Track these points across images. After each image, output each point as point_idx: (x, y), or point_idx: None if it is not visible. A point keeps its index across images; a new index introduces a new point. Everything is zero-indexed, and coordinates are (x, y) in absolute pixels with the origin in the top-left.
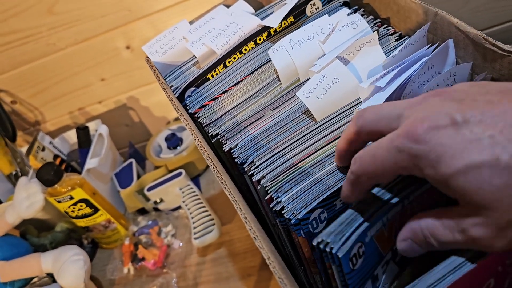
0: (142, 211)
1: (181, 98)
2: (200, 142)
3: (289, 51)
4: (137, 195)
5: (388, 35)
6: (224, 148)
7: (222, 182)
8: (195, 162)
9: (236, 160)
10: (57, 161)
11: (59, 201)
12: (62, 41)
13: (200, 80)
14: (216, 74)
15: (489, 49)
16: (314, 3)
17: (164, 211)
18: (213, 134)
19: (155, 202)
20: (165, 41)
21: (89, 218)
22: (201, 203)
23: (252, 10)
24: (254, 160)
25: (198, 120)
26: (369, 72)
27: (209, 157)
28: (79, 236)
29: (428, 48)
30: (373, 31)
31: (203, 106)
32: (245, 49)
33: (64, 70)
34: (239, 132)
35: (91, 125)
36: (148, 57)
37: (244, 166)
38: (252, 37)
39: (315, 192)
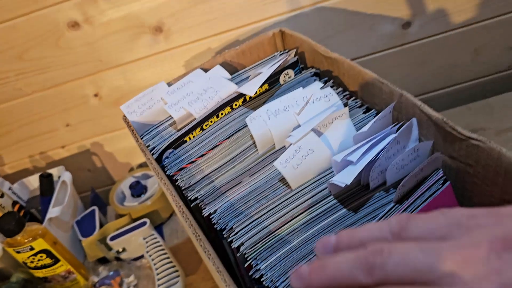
0: (103, 260)
1: (158, 159)
2: (181, 206)
3: (266, 121)
4: (99, 244)
5: (357, 107)
6: (203, 213)
7: (204, 250)
8: (159, 211)
9: (215, 226)
10: (16, 208)
11: (18, 252)
12: (29, 87)
13: (178, 142)
14: (194, 136)
15: (449, 132)
16: (287, 72)
17: (126, 260)
18: (192, 198)
19: (117, 252)
20: (143, 101)
21: (48, 269)
22: (165, 253)
23: (228, 75)
24: (233, 227)
25: (177, 183)
26: (340, 144)
27: (191, 224)
28: (36, 287)
29: (394, 126)
30: (343, 103)
31: (181, 169)
32: (222, 113)
33: (29, 115)
34: (218, 197)
35: (54, 171)
36: (125, 116)
37: (223, 233)
38: (228, 103)
39: (291, 261)
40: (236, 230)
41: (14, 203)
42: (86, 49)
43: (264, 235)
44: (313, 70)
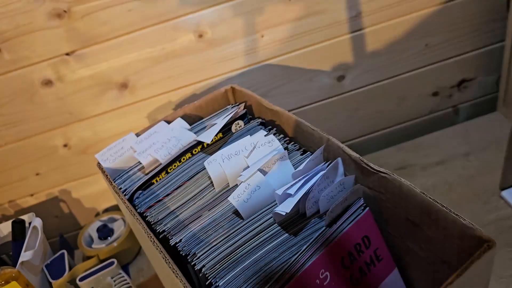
0: None
1: (130, 199)
2: (152, 237)
3: (221, 164)
4: (69, 285)
5: (295, 150)
6: (170, 243)
7: (173, 271)
8: (125, 251)
9: (181, 253)
10: None
11: None
12: (2, 139)
13: (146, 184)
14: (160, 179)
15: (364, 167)
16: (238, 122)
17: None
18: (160, 231)
19: None
20: (115, 150)
21: None
22: None
23: (188, 126)
24: (196, 252)
25: (147, 219)
26: (282, 180)
27: (161, 251)
28: None
29: (324, 164)
30: (284, 148)
31: (150, 206)
32: (184, 158)
33: (0, 165)
34: (182, 229)
35: (24, 217)
36: (99, 163)
37: (188, 258)
38: (189, 149)
39: (245, 277)
40: (198, 255)
41: None
42: (57, 103)
43: (221, 258)
44: (259, 120)
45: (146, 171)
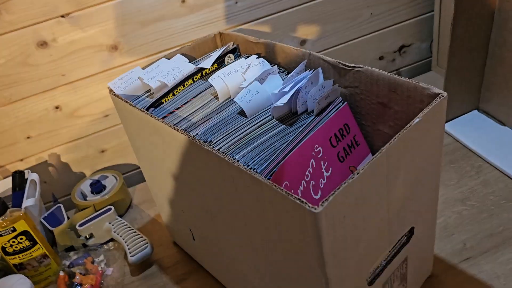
0: (71, 250)
1: None
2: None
3: (223, 79)
4: (69, 231)
5: (281, 72)
6: (187, 136)
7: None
8: (118, 203)
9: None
10: None
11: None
12: None
13: (157, 103)
14: (168, 99)
15: (341, 67)
16: (229, 56)
17: (94, 246)
18: (178, 129)
19: (86, 238)
20: (125, 80)
21: (26, 252)
22: (132, 229)
23: (187, 60)
24: (212, 140)
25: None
26: (275, 89)
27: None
28: None
29: (308, 71)
30: (272, 66)
31: (164, 117)
32: (186, 84)
33: None
34: (196, 127)
35: None
36: (112, 90)
37: (206, 143)
38: (191, 76)
39: (254, 153)
40: (214, 141)
41: None
42: (51, 65)
43: (234, 142)
44: (246, 55)
45: (155, 95)
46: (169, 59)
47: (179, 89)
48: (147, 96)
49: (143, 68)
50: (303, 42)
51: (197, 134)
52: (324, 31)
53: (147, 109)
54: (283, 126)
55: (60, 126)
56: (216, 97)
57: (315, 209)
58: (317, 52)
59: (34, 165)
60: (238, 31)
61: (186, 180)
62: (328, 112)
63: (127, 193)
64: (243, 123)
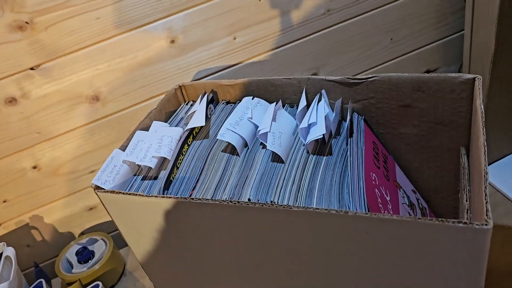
0: None
1: None
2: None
3: (234, 131)
4: None
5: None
6: (240, 203)
7: None
8: (109, 273)
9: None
10: None
11: None
12: None
13: (167, 183)
14: (175, 175)
15: (352, 82)
16: (210, 107)
17: None
18: (223, 199)
19: None
20: (109, 171)
21: None
22: None
23: (167, 125)
24: (271, 200)
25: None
26: (290, 124)
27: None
28: None
29: (316, 98)
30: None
31: (190, 196)
32: (184, 151)
33: None
34: (240, 193)
35: None
36: (99, 188)
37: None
38: (185, 141)
39: (326, 193)
40: (275, 200)
41: None
42: (23, 123)
43: (295, 194)
44: (224, 101)
45: (155, 174)
46: (144, 130)
47: (180, 159)
48: (143, 177)
49: (121, 149)
50: (314, 76)
51: (249, 199)
52: (337, 62)
53: (163, 193)
54: (324, 158)
55: (40, 186)
56: (232, 152)
57: (485, 225)
58: None
59: (14, 229)
60: (239, 69)
61: (249, 259)
62: (358, 134)
63: (118, 260)
64: (286, 169)
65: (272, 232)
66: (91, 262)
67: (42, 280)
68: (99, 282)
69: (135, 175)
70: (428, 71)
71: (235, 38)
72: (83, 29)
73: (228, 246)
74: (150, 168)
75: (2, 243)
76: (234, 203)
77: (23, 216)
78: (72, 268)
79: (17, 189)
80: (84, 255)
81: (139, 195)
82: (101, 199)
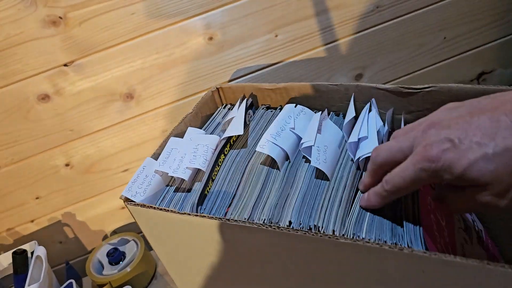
0: None
1: None
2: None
3: (275, 142)
4: None
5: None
6: (280, 228)
7: None
8: (140, 276)
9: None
10: None
11: None
12: None
13: (201, 198)
14: (209, 188)
15: (405, 92)
16: (249, 113)
17: None
18: (260, 223)
19: None
20: (140, 181)
21: None
22: None
23: (203, 132)
24: (315, 224)
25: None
26: (335, 136)
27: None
28: None
29: (366, 108)
30: (315, 112)
31: (225, 213)
32: (220, 162)
33: None
34: (280, 213)
35: (26, 247)
36: (130, 199)
37: (312, 232)
38: (221, 151)
39: (377, 219)
40: (319, 225)
41: None
42: (56, 120)
43: (342, 218)
44: (264, 105)
45: (189, 186)
46: (178, 137)
47: (216, 171)
48: (176, 189)
49: (154, 158)
50: (358, 76)
51: (290, 222)
52: (385, 61)
53: (196, 209)
54: None
55: (73, 184)
56: (272, 165)
57: None
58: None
59: (47, 225)
60: (279, 68)
61: None
62: None
63: (150, 262)
64: (332, 188)
65: (314, 262)
66: (122, 264)
67: (73, 281)
68: (129, 286)
69: (168, 185)
70: (483, 73)
71: (276, 36)
72: (118, 24)
73: (265, 270)
74: (183, 179)
75: (34, 241)
76: (274, 228)
77: (55, 213)
78: (103, 268)
79: (50, 186)
80: (115, 257)
81: (171, 211)
82: (131, 211)
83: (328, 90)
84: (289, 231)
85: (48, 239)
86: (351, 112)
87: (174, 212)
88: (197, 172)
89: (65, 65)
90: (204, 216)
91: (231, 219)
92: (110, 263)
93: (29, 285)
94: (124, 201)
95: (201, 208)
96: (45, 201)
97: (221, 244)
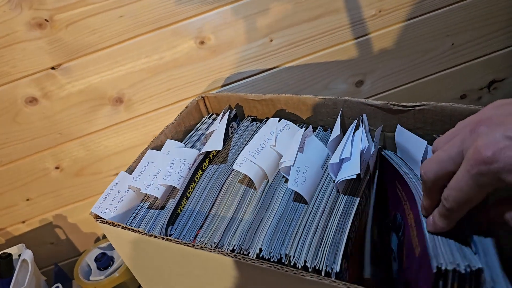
0: None
1: None
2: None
3: (253, 160)
4: None
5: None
6: (250, 256)
7: None
8: (127, 283)
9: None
10: None
11: None
12: None
13: (173, 217)
14: (183, 207)
15: (396, 109)
16: (232, 125)
17: None
18: (230, 250)
19: None
20: (112, 197)
21: None
22: None
23: (182, 145)
24: (287, 253)
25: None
26: (319, 155)
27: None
28: None
29: (352, 126)
30: (299, 127)
31: (196, 236)
32: (197, 178)
33: None
34: (252, 240)
35: (13, 250)
36: (99, 217)
37: (282, 262)
38: (199, 166)
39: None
40: (291, 254)
41: None
42: (44, 123)
43: (317, 245)
44: (249, 117)
45: (162, 203)
46: (156, 149)
47: (191, 188)
48: (149, 207)
49: (128, 172)
50: (359, 83)
51: (261, 250)
52: (386, 68)
53: (166, 230)
54: (358, 198)
55: (64, 186)
56: (249, 185)
57: None
58: (379, 94)
59: (38, 226)
60: (275, 74)
61: None
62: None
63: None
64: (309, 212)
65: None
66: (110, 269)
67: (59, 285)
68: None
69: (143, 200)
70: (494, 81)
71: (271, 40)
72: (106, 27)
73: None
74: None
75: (21, 244)
76: (239, 259)
77: (46, 214)
78: (91, 273)
79: (40, 188)
80: (103, 262)
81: (138, 231)
82: (101, 228)
83: (315, 103)
84: (254, 263)
85: (39, 240)
86: (336, 130)
87: (142, 233)
88: (172, 188)
89: (53, 68)
90: (171, 240)
91: (198, 245)
92: (98, 268)
93: None
94: (94, 218)
95: (171, 228)
96: (35, 203)
97: (190, 267)
